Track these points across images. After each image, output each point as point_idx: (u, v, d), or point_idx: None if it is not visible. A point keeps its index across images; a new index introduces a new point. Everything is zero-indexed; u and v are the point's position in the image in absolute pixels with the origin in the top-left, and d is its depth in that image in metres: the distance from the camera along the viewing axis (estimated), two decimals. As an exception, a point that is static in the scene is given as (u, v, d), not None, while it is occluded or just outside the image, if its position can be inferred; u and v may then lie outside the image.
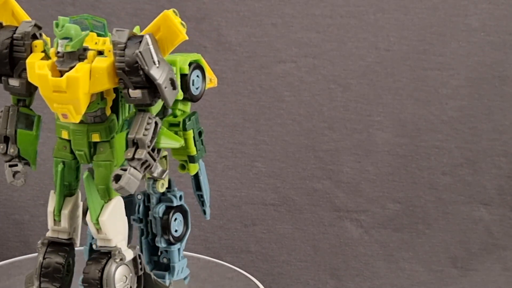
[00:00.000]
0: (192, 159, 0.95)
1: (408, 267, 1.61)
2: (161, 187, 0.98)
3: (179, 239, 1.00)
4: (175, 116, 0.95)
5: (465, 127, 1.59)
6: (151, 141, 0.82)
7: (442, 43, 1.57)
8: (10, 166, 0.86)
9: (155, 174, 0.83)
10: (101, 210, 0.86)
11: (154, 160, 0.83)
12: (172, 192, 1.00)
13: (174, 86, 0.82)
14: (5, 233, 1.54)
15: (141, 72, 0.80)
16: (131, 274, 0.89)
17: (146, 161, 0.81)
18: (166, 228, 0.98)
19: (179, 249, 1.00)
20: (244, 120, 1.56)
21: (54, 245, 0.89)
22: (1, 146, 0.86)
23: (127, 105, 0.88)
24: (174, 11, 0.83)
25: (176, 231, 0.99)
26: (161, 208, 0.98)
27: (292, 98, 1.56)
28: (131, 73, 0.80)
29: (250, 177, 1.58)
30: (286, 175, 1.58)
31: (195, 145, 0.95)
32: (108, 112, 0.85)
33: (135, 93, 0.82)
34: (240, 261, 1.58)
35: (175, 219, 0.99)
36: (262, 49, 1.54)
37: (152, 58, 0.80)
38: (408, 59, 1.57)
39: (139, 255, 0.90)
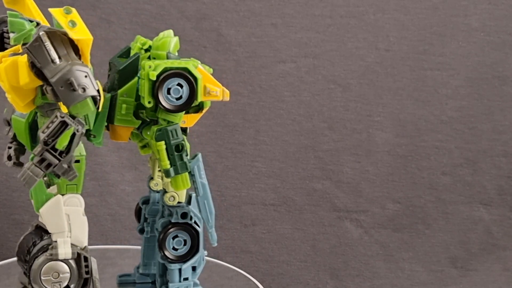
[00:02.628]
0: (165, 173, 0.90)
1: (408, 267, 1.61)
2: (170, 200, 0.95)
3: (180, 259, 0.95)
4: (158, 124, 0.91)
5: (465, 127, 1.59)
6: (52, 139, 0.81)
7: (442, 43, 1.57)
8: (8, 147, 0.92)
9: (65, 177, 0.83)
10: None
11: (58, 160, 0.82)
12: (180, 207, 0.95)
13: (73, 88, 0.79)
14: (5, 233, 1.54)
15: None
16: (67, 274, 0.89)
17: (45, 159, 0.81)
18: (160, 243, 0.94)
19: (180, 270, 0.95)
20: (244, 120, 1.56)
21: (38, 229, 0.92)
22: (6, 129, 0.92)
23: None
24: (66, 9, 0.80)
25: (175, 249, 0.95)
26: (161, 221, 0.96)
27: (292, 98, 1.56)
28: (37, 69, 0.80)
29: (250, 177, 1.58)
30: (286, 175, 1.58)
31: (169, 159, 0.89)
32: (63, 108, 0.85)
33: (47, 90, 0.81)
34: (240, 261, 1.58)
35: (175, 236, 0.95)
36: (262, 49, 1.54)
37: (48, 55, 0.79)
38: (408, 59, 1.57)
39: (86, 258, 0.89)
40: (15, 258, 1.13)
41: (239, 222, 1.59)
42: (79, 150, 0.90)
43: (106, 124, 0.92)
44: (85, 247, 0.90)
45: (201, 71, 0.89)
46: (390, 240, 1.61)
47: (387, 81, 1.57)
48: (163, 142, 0.89)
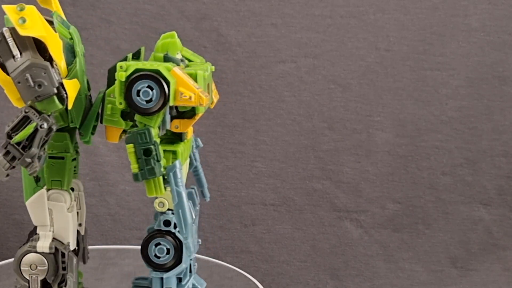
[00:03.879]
0: (133, 177, 0.88)
1: (408, 267, 1.61)
2: (159, 206, 0.93)
3: (161, 268, 0.92)
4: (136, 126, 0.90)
5: (465, 127, 1.59)
6: (15, 133, 0.84)
7: (442, 43, 1.57)
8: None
9: (28, 171, 0.86)
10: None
11: (21, 154, 0.85)
12: (165, 215, 0.93)
13: (28, 84, 0.82)
14: (5, 233, 1.54)
15: None
16: (44, 267, 0.91)
17: (10, 152, 0.85)
18: (142, 248, 0.92)
19: (162, 279, 0.93)
20: (244, 120, 1.56)
21: None
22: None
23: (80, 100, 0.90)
24: (19, 5, 0.82)
25: (157, 257, 0.92)
26: (148, 227, 0.94)
27: (292, 98, 1.56)
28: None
29: (250, 177, 1.58)
30: (286, 175, 1.58)
31: (138, 163, 0.87)
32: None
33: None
34: (240, 261, 1.58)
35: (158, 243, 0.92)
36: (262, 49, 1.54)
37: (10, 51, 0.83)
38: (408, 59, 1.57)
39: (63, 254, 0.91)
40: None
41: (239, 222, 1.59)
42: (64, 147, 0.92)
43: (96, 123, 0.92)
44: (67, 243, 0.92)
45: (175, 74, 0.86)
46: (390, 240, 1.61)
47: (387, 81, 1.57)
48: (132, 145, 0.87)
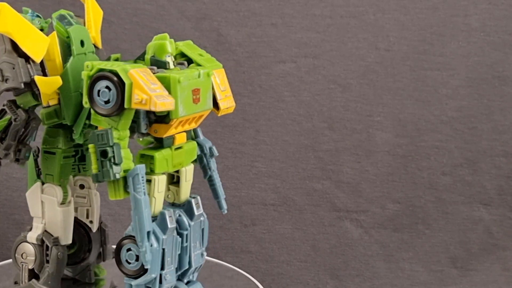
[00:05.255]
0: (92, 177, 0.86)
1: (408, 267, 1.61)
2: None
3: (130, 274, 0.89)
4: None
5: (465, 127, 1.59)
6: None
7: (442, 43, 1.57)
8: None
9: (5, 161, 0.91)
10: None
11: None
12: None
13: (1, 78, 0.87)
14: (5, 233, 1.54)
15: None
16: (32, 257, 0.94)
17: None
18: (115, 252, 0.90)
19: (131, 286, 0.90)
20: (244, 120, 1.56)
21: None
22: None
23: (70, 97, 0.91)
24: None
25: (128, 262, 0.89)
26: (126, 232, 0.92)
27: (292, 98, 1.56)
28: None
29: (250, 177, 1.58)
30: (286, 175, 1.58)
31: (97, 163, 0.86)
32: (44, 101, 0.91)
33: None
34: (240, 261, 1.58)
35: (129, 249, 0.89)
36: (262, 49, 1.55)
37: None
38: (408, 59, 1.57)
39: (47, 247, 0.93)
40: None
41: (239, 222, 1.59)
42: (56, 143, 0.93)
43: (88, 122, 0.93)
44: (57, 237, 0.93)
45: (132, 76, 0.84)
46: (390, 240, 1.61)
47: (387, 81, 1.57)
48: (93, 145, 0.86)
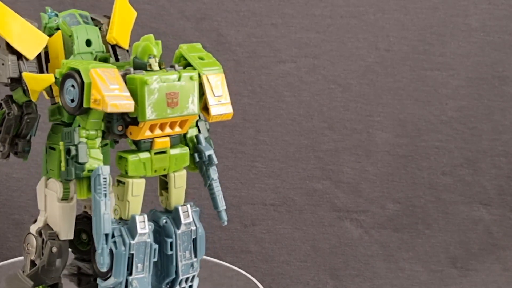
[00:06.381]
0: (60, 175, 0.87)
1: (408, 267, 1.61)
2: (114, 213, 0.90)
3: (100, 274, 0.88)
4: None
5: (465, 127, 1.59)
6: None
7: (442, 43, 1.57)
8: None
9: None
10: None
11: None
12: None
13: None
14: (5, 233, 1.54)
15: None
16: (33, 249, 0.95)
17: None
18: (92, 254, 0.89)
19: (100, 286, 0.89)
20: (244, 120, 1.56)
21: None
22: None
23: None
24: None
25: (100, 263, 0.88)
26: None
27: (292, 98, 1.56)
28: None
29: (250, 177, 1.58)
30: (286, 175, 1.58)
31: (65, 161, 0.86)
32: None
33: None
34: (240, 261, 1.58)
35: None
36: (262, 49, 1.55)
37: None
38: (408, 59, 1.57)
39: (43, 241, 0.93)
40: (15, 259, 1.14)
41: (239, 222, 1.59)
42: (58, 140, 0.93)
43: None
44: (54, 232, 0.94)
45: (91, 75, 0.83)
46: (390, 240, 1.61)
47: (387, 81, 1.57)
48: (62, 143, 0.87)
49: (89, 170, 0.86)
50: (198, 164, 0.96)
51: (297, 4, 1.54)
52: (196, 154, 0.95)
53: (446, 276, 1.61)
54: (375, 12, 1.55)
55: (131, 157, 0.89)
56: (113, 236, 0.86)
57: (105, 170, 0.85)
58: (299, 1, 1.54)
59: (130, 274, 0.88)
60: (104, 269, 0.86)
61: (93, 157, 0.87)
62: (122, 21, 0.97)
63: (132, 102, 0.84)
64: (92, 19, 0.99)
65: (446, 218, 1.61)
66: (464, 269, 1.62)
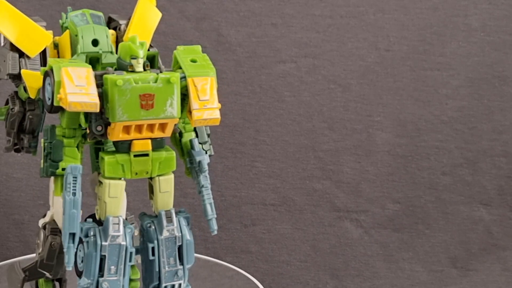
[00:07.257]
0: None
1: (408, 267, 1.61)
2: (97, 213, 0.89)
3: (76, 272, 0.87)
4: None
5: (465, 127, 1.59)
6: None
7: (442, 43, 1.57)
8: None
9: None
10: None
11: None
12: (88, 223, 0.88)
13: None
14: (5, 233, 1.54)
15: None
16: (39, 242, 0.95)
17: None
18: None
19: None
20: (244, 120, 1.56)
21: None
22: None
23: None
24: None
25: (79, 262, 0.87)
26: None
27: (292, 98, 1.56)
28: None
29: (250, 177, 1.58)
30: (286, 175, 1.58)
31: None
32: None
33: None
34: (240, 261, 1.58)
35: (80, 250, 0.87)
36: (262, 49, 1.54)
37: None
38: (408, 59, 1.57)
39: (44, 235, 0.93)
40: (15, 258, 1.14)
41: (239, 222, 1.59)
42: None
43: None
44: (57, 227, 0.93)
45: (61, 74, 0.82)
46: (390, 240, 1.61)
47: (387, 81, 1.57)
48: (43, 140, 0.88)
49: (63, 169, 0.86)
50: (190, 170, 0.93)
51: (297, 4, 1.54)
52: (188, 160, 0.93)
53: (446, 276, 1.61)
54: (375, 12, 1.55)
55: (108, 158, 0.87)
56: (87, 236, 0.86)
57: (75, 169, 0.83)
58: (299, 1, 1.54)
59: (102, 276, 0.87)
60: (69, 268, 0.85)
61: (68, 155, 0.86)
62: (142, 22, 0.96)
63: (97, 102, 0.82)
64: (111, 19, 0.98)
65: (446, 218, 1.61)
66: (464, 269, 1.62)
